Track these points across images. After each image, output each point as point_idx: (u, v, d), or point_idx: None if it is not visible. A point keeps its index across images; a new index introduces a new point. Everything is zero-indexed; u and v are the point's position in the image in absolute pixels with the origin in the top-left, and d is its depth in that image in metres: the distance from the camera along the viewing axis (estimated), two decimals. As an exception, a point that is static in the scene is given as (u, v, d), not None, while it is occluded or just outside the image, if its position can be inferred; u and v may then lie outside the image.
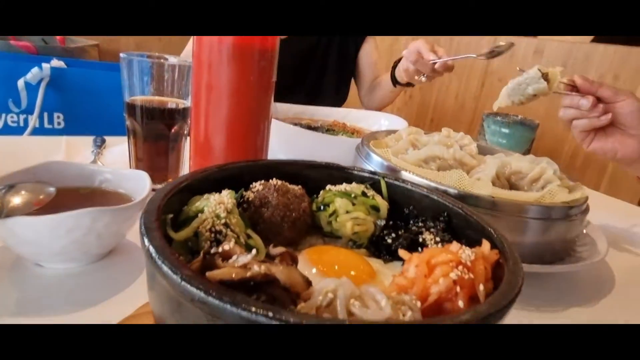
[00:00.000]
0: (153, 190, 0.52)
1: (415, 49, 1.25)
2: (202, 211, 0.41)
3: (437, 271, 0.36)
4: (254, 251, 0.33)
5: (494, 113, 1.27)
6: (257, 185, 0.50)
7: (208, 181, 0.48)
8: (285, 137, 0.93)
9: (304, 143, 0.92)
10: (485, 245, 0.41)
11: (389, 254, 0.49)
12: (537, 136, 1.22)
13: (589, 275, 0.71)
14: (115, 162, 0.89)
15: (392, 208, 0.54)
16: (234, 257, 0.34)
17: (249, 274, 0.32)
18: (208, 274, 0.31)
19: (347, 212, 0.50)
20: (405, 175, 0.67)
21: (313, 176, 0.57)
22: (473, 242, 0.47)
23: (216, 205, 0.42)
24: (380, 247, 0.50)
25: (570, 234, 0.69)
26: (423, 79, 1.26)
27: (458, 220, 0.49)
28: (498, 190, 0.62)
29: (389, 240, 0.49)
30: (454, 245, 0.39)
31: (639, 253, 0.86)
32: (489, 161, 0.71)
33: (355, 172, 0.57)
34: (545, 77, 0.77)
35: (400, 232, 0.50)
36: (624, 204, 1.16)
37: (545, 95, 0.79)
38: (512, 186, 0.73)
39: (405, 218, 0.54)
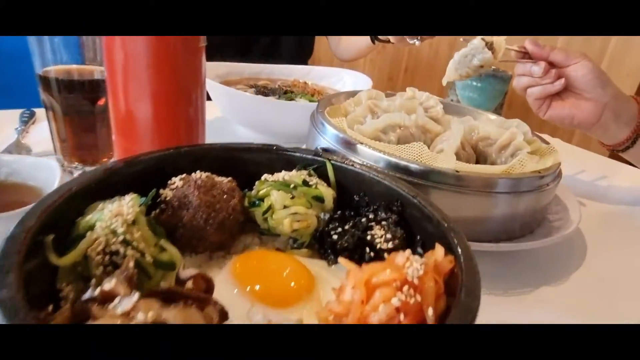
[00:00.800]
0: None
1: None
2: (92, 227, 0.33)
3: (376, 295, 0.30)
4: (135, 295, 0.26)
5: (465, 64, 1.18)
6: (177, 181, 0.42)
7: (112, 182, 0.39)
8: (237, 105, 0.84)
9: (257, 110, 0.83)
10: (439, 250, 0.34)
11: (333, 254, 0.42)
12: (510, 88, 1.14)
13: (560, 245, 0.66)
14: (44, 140, 0.79)
15: (341, 194, 0.48)
16: (116, 301, 0.26)
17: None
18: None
19: (285, 206, 0.43)
20: (362, 149, 0.59)
21: (250, 162, 0.49)
22: (428, 238, 0.40)
23: (111, 218, 0.34)
24: (325, 243, 0.43)
25: (541, 204, 0.63)
26: (417, 42, 1.15)
27: (412, 210, 0.43)
28: (462, 164, 0.56)
29: (335, 237, 0.42)
30: (400, 257, 0.33)
31: (610, 210, 0.82)
32: (454, 127, 0.63)
33: (298, 155, 0.49)
34: (490, 46, 0.72)
35: (347, 227, 0.43)
36: (596, 156, 1.12)
37: (491, 65, 0.74)
38: (480, 154, 0.66)
39: (356, 206, 0.47)
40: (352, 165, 0.47)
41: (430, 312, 0.29)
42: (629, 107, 0.77)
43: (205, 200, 0.40)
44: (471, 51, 0.72)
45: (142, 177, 0.42)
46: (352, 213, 0.46)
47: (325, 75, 1.10)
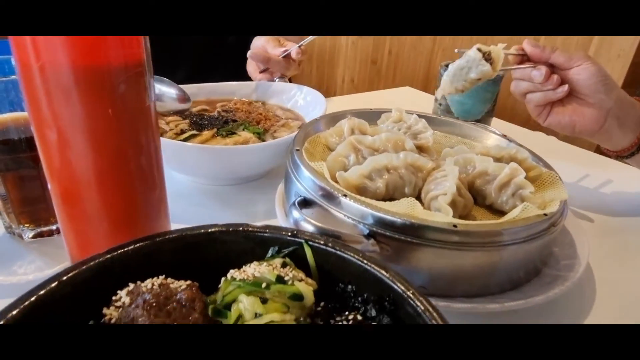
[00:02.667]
0: None
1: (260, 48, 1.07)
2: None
3: None
4: None
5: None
6: (123, 296, 0.35)
7: (44, 309, 0.32)
8: (179, 157, 0.72)
9: (193, 159, 0.72)
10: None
11: (318, 367, 0.36)
12: (501, 88, 1.07)
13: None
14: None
15: (324, 281, 0.41)
16: None
17: None
18: None
19: (257, 314, 0.36)
20: (345, 202, 0.52)
21: (214, 247, 0.42)
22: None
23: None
24: (308, 350, 0.37)
25: (548, 245, 0.57)
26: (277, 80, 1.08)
27: (409, 308, 0.36)
28: (459, 221, 0.49)
29: (319, 344, 0.36)
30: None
31: (614, 224, 0.77)
32: (448, 169, 0.56)
33: (270, 235, 0.42)
34: (487, 56, 0.66)
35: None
36: (582, 152, 1.07)
37: (491, 77, 0.68)
38: (477, 192, 0.59)
39: (341, 295, 0.40)
40: (334, 247, 0.40)
41: None
42: (634, 112, 0.71)
43: (159, 322, 0.33)
44: (467, 63, 0.65)
45: (80, 296, 0.34)
46: (338, 305, 0.39)
47: (275, 91, 0.98)
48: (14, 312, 0.31)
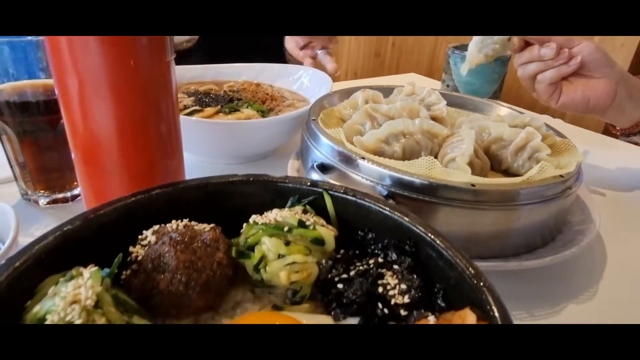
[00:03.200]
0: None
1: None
2: (43, 321, 0.27)
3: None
4: None
5: (460, 47, 1.10)
6: (149, 235, 0.35)
7: (68, 249, 0.33)
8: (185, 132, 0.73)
9: (212, 135, 0.71)
10: (470, 317, 0.28)
11: (340, 307, 0.36)
12: (509, 70, 1.07)
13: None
14: (2, 166, 0.71)
15: (344, 230, 0.41)
16: None
17: None
18: None
19: (280, 255, 0.36)
20: (363, 165, 0.53)
21: (235, 197, 0.42)
22: (450, 287, 0.34)
23: (66, 307, 0.27)
24: (329, 294, 0.37)
25: (564, 210, 0.57)
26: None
27: (429, 249, 0.36)
28: (478, 178, 0.49)
29: (340, 286, 0.36)
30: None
31: (622, 197, 0.77)
32: (464, 133, 0.57)
33: (290, 185, 0.42)
34: None
35: (353, 272, 0.37)
36: (589, 133, 1.07)
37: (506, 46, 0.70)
38: (493, 157, 0.60)
39: (361, 243, 0.41)
40: (354, 195, 0.41)
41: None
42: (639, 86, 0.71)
43: (184, 259, 0.33)
44: (485, 39, 0.66)
45: (105, 235, 0.35)
46: (358, 252, 0.40)
47: (280, 74, 0.97)
48: (46, 242, 0.31)
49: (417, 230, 0.37)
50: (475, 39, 0.70)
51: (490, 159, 0.59)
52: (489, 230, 0.52)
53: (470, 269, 0.32)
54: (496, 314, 0.28)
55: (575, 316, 0.51)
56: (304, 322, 0.34)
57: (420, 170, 0.51)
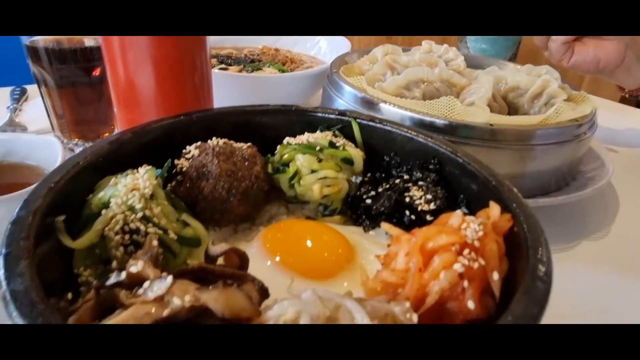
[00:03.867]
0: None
1: None
2: (107, 205, 0.30)
3: (436, 261, 0.26)
4: (169, 278, 0.23)
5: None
6: (192, 150, 0.38)
7: (121, 154, 0.36)
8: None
9: (235, 89, 0.72)
10: (494, 209, 0.31)
11: (369, 219, 0.39)
12: (523, 38, 1.08)
13: (593, 196, 0.63)
14: (40, 118, 0.74)
15: (370, 155, 0.44)
16: (146, 285, 0.23)
17: (166, 312, 0.22)
18: (103, 324, 0.21)
19: (313, 171, 0.39)
20: (385, 108, 0.55)
21: (267, 125, 0.45)
22: (473, 197, 0.37)
23: (127, 193, 0.30)
24: (358, 209, 0.40)
25: (578, 155, 0.59)
26: None
27: (452, 167, 0.39)
28: (496, 117, 0.51)
29: (369, 201, 0.39)
30: (455, 218, 0.29)
31: (634, 154, 0.78)
32: (481, 78, 0.59)
33: (320, 115, 0.45)
34: None
35: (381, 189, 0.40)
36: (607, 102, 1.08)
37: None
38: (510, 105, 0.62)
39: (387, 167, 0.43)
40: (380, 122, 0.43)
41: (495, 276, 0.26)
42: None
43: (226, 168, 0.36)
44: None
45: (152, 147, 0.38)
46: (384, 175, 0.42)
47: (298, 41, 0.99)
48: (101, 146, 0.34)
49: (442, 150, 0.39)
50: None
51: (508, 107, 0.61)
52: (505, 170, 0.54)
53: (492, 176, 0.35)
54: (515, 206, 0.31)
55: (588, 252, 0.53)
56: (336, 229, 0.37)
57: (441, 111, 0.53)
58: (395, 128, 0.42)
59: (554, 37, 0.74)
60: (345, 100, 0.60)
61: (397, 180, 0.40)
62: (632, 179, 0.70)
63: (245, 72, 0.81)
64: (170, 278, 0.22)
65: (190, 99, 0.52)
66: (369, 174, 0.42)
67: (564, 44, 0.73)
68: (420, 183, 0.39)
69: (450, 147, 0.39)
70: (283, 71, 0.82)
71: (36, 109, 0.77)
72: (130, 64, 0.49)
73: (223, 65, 0.82)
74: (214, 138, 0.39)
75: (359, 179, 0.40)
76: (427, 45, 0.76)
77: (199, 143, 0.39)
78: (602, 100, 1.08)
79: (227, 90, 0.73)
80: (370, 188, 0.40)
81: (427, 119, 0.52)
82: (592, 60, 0.72)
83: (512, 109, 0.61)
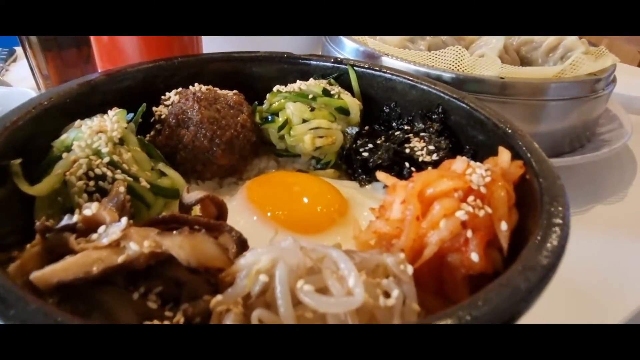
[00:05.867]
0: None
1: None
2: (69, 148, 0.27)
3: (435, 209, 0.23)
4: (123, 221, 0.20)
5: None
6: (172, 96, 0.35)
7: (93, 98, 0.32)
8: None
9: (228, 42, 0.69)
10: (504, 155, 0.27)
11: (365, 173, 0.35)
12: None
13: (610, 159, 0.59)
14: (27, 77, 0.71)
15: (368, 105, 0.40)
16: (101, 230, 0.20)
17: (120, 258, 0.19)
18: (38, 275, 0.18)
19: (304, 120, 0.35)
20: (387, 61, 0.51)
21: (257, 74, 0.41)
22: (480, 146, 0.33)
23: (92, 136, 0.27)
24: (354, 162, 0.36)
25: (595, 113, 0.55)
26: None
27: (457, 116, 0.35)
28: (508, 69, 0.47)
29: (365, 154, 0.35)
30: (459, 162, 0.26)
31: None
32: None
33: (314, 63, 0.41)
34: None
35: (379, 141, 0.36)
36: (625, 66, 1.02)
37: None
38: (523, 59, 0.57)
39: (386, 119, 0.40)
40: (380, 70, 0.39)
41: (503, 226, 0.23)
42: None
43: (208, 115, 0.33)
44: None
45: (129, 93, 0.34)
46: (383, 127, 0.39)
47: None
48: (70, 87, 0.31)
49: (447, 97, 0.35)
50: None
51: (521, 63, 0.57)
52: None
53: (502, 122, 0.31)
54: (528, 153, 0.27)
55: (603, 215, 0.50)
56: (327, 185, 0.34)
57: (448, 63, 0.49)
58: (396, 75, 0.39)
59: None
60: (343, 54, 0.56)
61: (398, 132, 0.36)
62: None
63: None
64: (124, 221, 0.19)
65: (177, 49, 0.49)
66: (366, 127, 0.39)
67: None
68: (423, 134, 0.35)
69: (456, 93, 0.35)
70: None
71: (22, 70, 0.74)
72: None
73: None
74: (196, 84, 0.36)
75: (355, 130, 0.37)
76: None
77: (179, 89, 0.36)
78: (620, 64, 1.02)
79: (220, 44, 0.69)
80: (367, 140, 0.37)
81: (433, 72, 0.48)
82: None
83: (526, 63, 0.57)
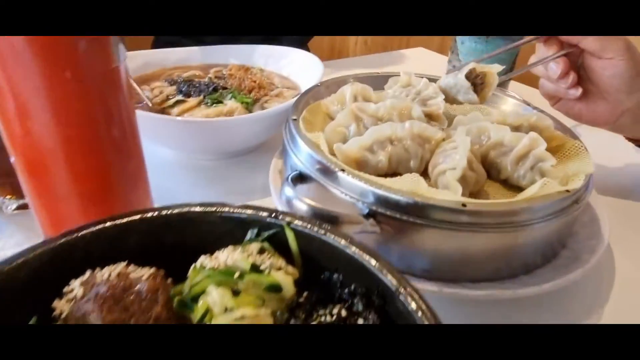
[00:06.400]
0: None
1: None
2: None
3: None
4: None
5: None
6: (76, 287, 0.31)
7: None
8: (157, 131, 0.66)
9: (184, 134, 0.66)
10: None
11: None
12: (517, 62, 0.98)
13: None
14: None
15: (308, 264, 0.36)
16: None
17: None
18: None
19: (227, 309, 0.31)
20: (344, 178, 0.47)
21: (187, 231, 0.37)
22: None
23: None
24: (287, 347, 0.33)
25: (570, 225, 0.51)
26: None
27: (399, 304, 0.31)
28: (469, 200, 0.43)
29: (298, 341, 0.32)
30: None
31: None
32: (458, 140, 0.50)
33: (247, 216, 0.37)
34: (480, 79, 0.61)
35: (315, 321, 0.32)
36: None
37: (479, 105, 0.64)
38: (491, 164, 0.53)
39: (326, 285, 0.36)
40: (318, 231, 0.35)
41: None
42: None
43: (111, 320, 0.29)
44: (455, 86, 0.60)
45: (27, 288, 0.31)
46: (322, 296, 0.35)
47: (271, 55, 0.90)
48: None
49: (385, 280, 0.32)
50: (441, 83, 0.64)
51: (489, 167, 0.53)
52: (483, 252, 0.46)
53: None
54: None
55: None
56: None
57: (405, 187, 0.45)
58: (335, 240, 0.35)
59: (540, 82, 0.68)
60: (300, 160, 0.52)
61: (335, 312, 0.33)
62: (631, 237, 0.62)
63: (204, 106, 0.73)
64: None
65: (109, 153, 0.45)
66: (305, 293, 0.35)
67: (546, 94, 0.67)
68: (361, 321, 0.31)
69: (396, 277, 0.31)
70: (247, 103, 0.74)
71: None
72: (30, 134, 0.41)
73: (180, 97, 0.74)
74: (106, 268, 0.32)
75: (287, 314, 0.33)
76: (406, 78, 0.67)
77: (86, 275, 0.32)
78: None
79: (176, 133, 0.66)
80: (303, 317, 0.33)
81: (392, 196, 0.45)
82: (575, 115, 0.66)
83: (494, 170, 0.53)
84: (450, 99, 0.63)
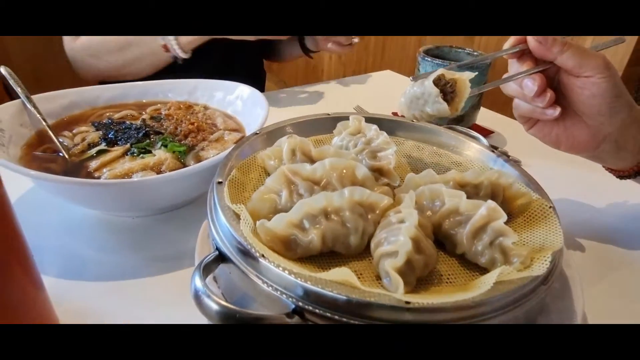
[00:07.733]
0: None
1: None
2: None
3: None
4: None
5: (432, 52, 0.95)
6: None
7: None
8: (68, 194, 0.58)
9: (104, 194, 0.57)
10: None
11: None
12: (489, 77, 0.92)
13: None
14: None
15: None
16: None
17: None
18: None
19: None
20: (267, 268, 0.39)
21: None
22: None
23: None
24: None
25: (536, 309, 0.44)
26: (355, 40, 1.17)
27: None
28: (413, 297, 0.36)
29: None
30: None
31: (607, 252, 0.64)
32: (405, 209, 0.43)
33: None
34: (451, 87, 0.54)
35: None
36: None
37: (450, 117, 0.58)
38: (445, 237, 0.46)
39: None
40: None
41: None
42: None
43: None
44: (423, 95, 0.52)
45: None
46: None
47: (217, 88, 0.82)
48: None
49: None
50: (406, 94, 0.57)
51: (443, 238, 0.46)
52: (433, 352, 0.39)
53: None
54: None
55: None
56: None
57: (335, 280, 0.37)
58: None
59: (514, 104, 0.60)
60: (221, 235, 0.44)
61: None
62: (607, 300, 0.55)
63: (130, 157, 0.64)
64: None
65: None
66: None
67: (521, 117, 0.60)
68: None
69: None
70: (180, 152, 0.66)
71: None
72: None
73: (103, 146, 0.65)
74: None
75: None
76: (356, 123, 0.60)
77: None
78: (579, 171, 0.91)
79: (93, 194, 0.57)
80: None
81: (328, 294, 0.37)
82: (552, 141, 0.59)
83: (449, 243, 0.46)
84: (419, 114, 0.56)
